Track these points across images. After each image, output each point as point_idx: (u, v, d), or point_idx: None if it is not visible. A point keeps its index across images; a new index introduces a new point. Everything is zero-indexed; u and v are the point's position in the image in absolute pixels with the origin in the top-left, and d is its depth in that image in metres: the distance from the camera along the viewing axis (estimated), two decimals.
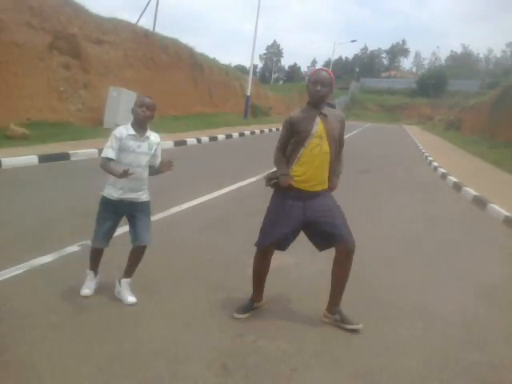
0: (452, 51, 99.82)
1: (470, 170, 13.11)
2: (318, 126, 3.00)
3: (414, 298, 3.83)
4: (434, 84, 60.25)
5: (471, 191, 9.10)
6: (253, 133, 20.47)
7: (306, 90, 3.08)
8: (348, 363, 2.72)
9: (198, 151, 12.51)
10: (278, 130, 24.93)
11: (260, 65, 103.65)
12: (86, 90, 14.50)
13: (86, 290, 3.37)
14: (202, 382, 2.42)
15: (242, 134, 18.91)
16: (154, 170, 3.41)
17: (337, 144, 3.09)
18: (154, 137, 3.34)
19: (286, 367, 2.62)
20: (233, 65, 43.83)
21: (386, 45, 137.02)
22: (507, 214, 7.18)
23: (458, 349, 3.03)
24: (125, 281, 3.37)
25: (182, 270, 4.00)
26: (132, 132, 3.21)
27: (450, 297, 3.93)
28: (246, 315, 3.19)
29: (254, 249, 3.23)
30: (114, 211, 3.34)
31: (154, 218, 5.31)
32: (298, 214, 3.04)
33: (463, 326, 3.39)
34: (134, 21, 21.62)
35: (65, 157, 9.17)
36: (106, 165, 3.21)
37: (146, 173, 3.35)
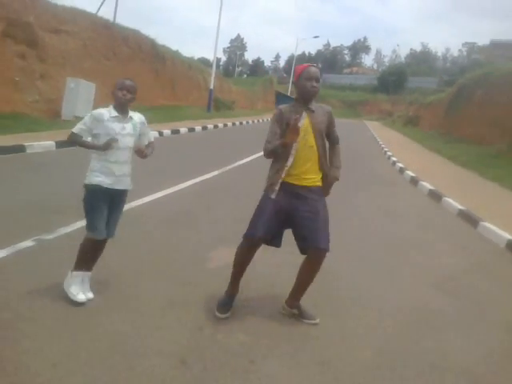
0: (411, 49, 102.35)
1: (427, 164, 13.54)
2: (304, 121, 3.04)
3: (370, 289, 3.94)
4: (394, 81, 61.81)
5: (427, 185, 9.41)
6: (216, 126, 20.38)
7: (296, 87, 3.11)
8: (305, 354, 2.78)
9: (159, 144, 12.33)
10: (241, 123, 24.96)
11: (224, 58, 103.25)
12: (43, 80, 14.02)
13: (83, 295, 3.16)
14: (159, 376, 2.42)
15: (204, 128, 18.80)
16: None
17: (323, 138, 3.11)
18: (137, 117, 3.26)
19: (244, 359, 2.65)
20: (196, 58, 43.31)
21: (348, 41, 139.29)
22: (461, 207, 7.47)
23: (410, 337, 3.15)
24: (87, 274, 3.26)
25: (142, 264, 3.96)
26: (115, 114, 3.12)
27: (403, 288, 4.07)
28: (229, 313, 3.16)
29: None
30: (102, 199, 3.15)
31: None
32: (285, 205, 3.04)
33: (415, 315, 3.52)
34: (93, 11, 21.04)
35: (20, 149, 8.85)
36: (76, 140, 3.16)
37: (131, 156, 3.23)
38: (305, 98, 3.09)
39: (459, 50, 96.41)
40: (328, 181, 3.22)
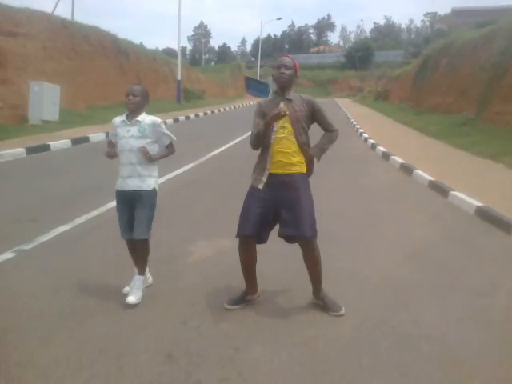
0: (375, 23, 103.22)
1: (398, 138, 13.78)
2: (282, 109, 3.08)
3: (345, 267, 4.09)
4: (360, 57, 62.09)
5: (398, 160, 9.63)
6: (188, 117, 20.29)
7: (273, 78, 3.20)
8: (286, 336, 2.90)
9: None
10: (213, 112, 24.87)
11: (189, 47, 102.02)
12: (5, 86, 13.71)
13: (131, 297, 3.28)
14: (148, 373, 2.51)
15: (176, 120, 18.70)
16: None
17: (301, 125, 3.14)
18: (148, 120, 3.35)
19: (228, 348, 2.76)
20: (161, 48, 42.79)
21: (312, 20, 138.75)
22: (431, 178, 7.69)
23: (386, 311, 3.30)
24: (136, 277, 3.39)
25: (122, 263, 4.00)
26: (123, 118, 3.35)
27: (377, 263, 4.23)
28: (237, 306, 3.24)
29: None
30: (122, 202, 3.40)
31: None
32: (270, 199, 3.11)
33: (390, 289, 3.67)
34: (49, 10, 20.53)
35: None
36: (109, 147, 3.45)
37: (140, 157, 3.30)
38: (278, 87, 3.18)
39: (422, 21, 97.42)
40: (307, 159, 3.23)
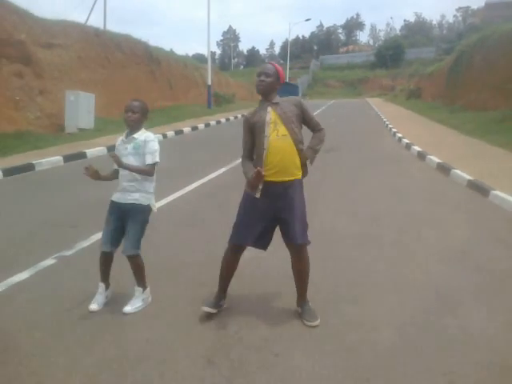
0: (405, 20, 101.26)
1: (433, 137, 13.45)
2: (270, 114, 3.08)
3: (386, 271, 4.00)
4: (391, 55, 61.09)
5: (435, 159, 9.39)
6: (218, 122, 20.42)
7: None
8: (327, 342, 2.86)
9: (165, 146, 12.41)
10: (243, 116, 24.94)
11: (218, 52, 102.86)
12: (43, 96, 14.16)
13: (93, 305, 3.32)
14: (189, 379, 2.51)
15: (207, 125, 18.85)
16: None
17: (295, 125, 3.10)
18: (144, 136, 3.32)
19: (269, 354, 2.73)
20: (191, 54, 43.34)
21: (340, 20, 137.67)
22: (469, 177, 7.46)
23: (430, 315, 3.20)
24: (136, 288, 3.42)
25: (160, 269, 4.05)
26: (122, 137, 3.39)
27: (419, 266, 4.12)
28: (215, 310, 3.20)
29: None
30: (111, 213, 3.39)
31: None
32: (267, 209, 3.08)
33: (434, 292, 3.57)
34: (82, 20, 21.11)
35: (29, 168, 9.00)
36: None
37: (137, 174, 3.30)
38: (259, 93, 3.16)
39: (454, 16, 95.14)
40: (301, 160, 3.16)
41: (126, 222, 3.34)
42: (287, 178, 3.07)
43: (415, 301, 3.44)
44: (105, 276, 3.43)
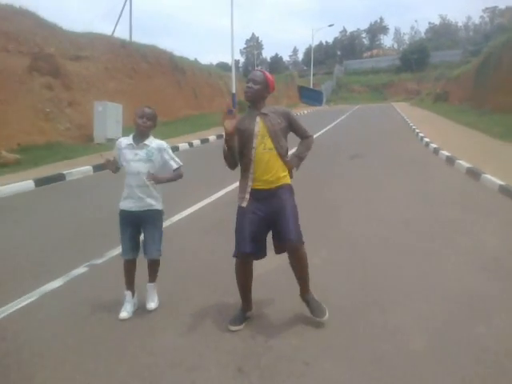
0: (430, 23, 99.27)
1: (462, 141, 13.21)
2: (259, 125, 3.11)
3: (415, 279, 3.93)
4: (416, 58, 60.34)
5: (464, 164, 9.21)
6: None
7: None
8: (357, 351, 2.82)
9: (191, 155, 12.58)
10: None
11: (242, 60, 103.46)
12: (72, 107, 14.54)
13: (123, 313, 3.38)
14: None
15: None
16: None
17: (280, 138, 3.14)
18: (155, 144, 3.42)
19: (298, 363, 2.72)
20: (215, 63, 43.76)
21: (364, 25, 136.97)
22: (501, 182, 7.29)
23: (462, 324, 3.13)
24: (148, 285, 3.54)
25: (188, 277, 4.09)
26: (129, 141, 3.39)
27: (450, 273, 4.04)
28: (241, 326, 3.19)
29: None
30: (126, 222, 3.44)
31: None
32: (260, 216, 3.11)
33: (466, 300, 3.49)
34: (109, 32, 21.59)
35: (60, 178, 9.24)
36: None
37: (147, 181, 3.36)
38: (247, 100, 3.19)
39: (481, 17, 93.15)
40: (287, 167, 3.23)
41: (142, 228, 3.45)
42: (274, 185, 3.14)
43: (446, 309, 3.37)
44: (130, 284, 3.52)
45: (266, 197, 3.12)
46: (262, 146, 3.09)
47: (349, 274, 4.02)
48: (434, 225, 5.55)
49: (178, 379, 2.61)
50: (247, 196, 3.14)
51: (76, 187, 8.80)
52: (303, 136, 3.37)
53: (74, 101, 14.73)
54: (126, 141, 3.42)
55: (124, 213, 3.43)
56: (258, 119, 3.13)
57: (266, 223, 3.15)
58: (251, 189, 3.13)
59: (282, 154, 3.17)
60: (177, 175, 3.48)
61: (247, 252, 3.12)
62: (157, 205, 3.45)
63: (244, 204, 3.14)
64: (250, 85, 3.12)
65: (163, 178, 3.40)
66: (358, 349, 2.86)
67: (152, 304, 3.49)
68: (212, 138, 16.71)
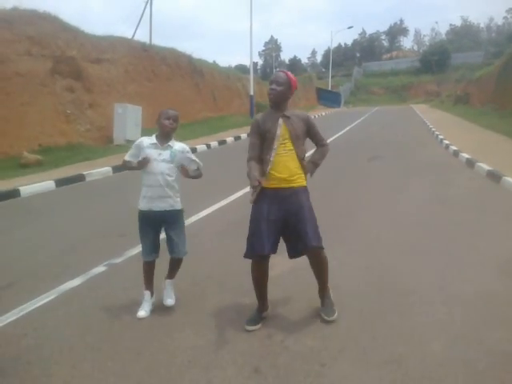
0: (451, 24, 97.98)
1: (482, 143, 13.00)
2: (281, 128, 3.13)
3: (434, 282, 3.89)
4: (437, 60, 59.57)
5: (485, 166, 9.06)
6: None
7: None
8: (374, 353, 2.81)
9: (208, 157, 12.63)
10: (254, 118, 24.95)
11: (260, 62, 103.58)
12: (92, 109, 14.75)
13: (141, 312, 3.44)
14: None
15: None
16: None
17: (301, 142, 3.20)
18: (178, 146, 3.49)
19: (315, 363, 2.72)
20: (233, 65, 43.99)
21: (383, 26, 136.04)
22: None
23: (481, 328, 3.09)
24: (167, 281, 3.60)
25: (205, 277, 4.12)
26: (153, 141, 3.43)
27: (469, 277, 3.98)
28: (258, 326, 3.19)
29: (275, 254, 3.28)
30: (148, 223, 3.47)
31: None
32: (276, 213, 3.10)
33: (485, 305, 3.44)
34: (130, 35, 21.85)
35: (80, 178, 9.39)
36: (124, 164, 3.53)
37: (172, 180, 3.43)
38: (270, 102, 3.19)
39: (504, 18, 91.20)
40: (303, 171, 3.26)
41: (164, 228, 3.49)
42: (291, 185, 3.14)
43: (465, 313, 3.32)
44: (149, 284, 3.57)
45: (283, 197, 3.12)
46: (283, 148, 3.12)
47: (366, 276, 4.00)
48: (452, 228, 5.48)
49: (195, 378, 2.63)
50: (256, 193, 3.09)
51: (96, 188, 8.94)
52: (319, 143, 3.41)
53: (94, 103, 14.95)
54: (148, 140, 3.45)
55: (145, 213, 3.45)
56: (280, 121, 3.14)
57: (282, 224, 3.14)
58: (268, 188, 3.12)
59: (301, 156, 3.19)
60: (198, 174, 3.58)
61: (264, 253, 3.11)
62: (178, 204, 3.51)
63: (252, 201, 3.15)
64: (274, 86, 3.13)
65: (192, 174, 3.51)
66: (374, 351, 2.84)
67: (170, 300, 3.54)
68: (230, 139, 16.78)
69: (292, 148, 3.14)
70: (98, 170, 9.97)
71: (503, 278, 3.94)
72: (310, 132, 3.30)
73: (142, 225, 3.50)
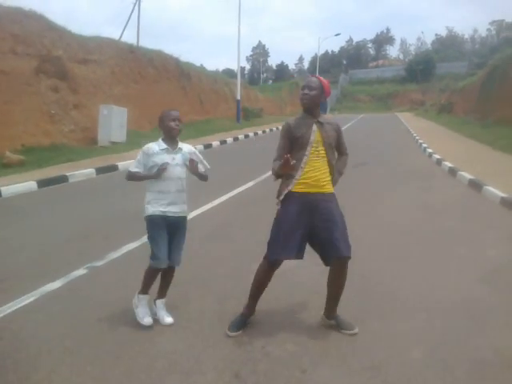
0: (437, 34, 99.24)
1: (464, 153, 13.20)
2: (315, 134, 3.12)
3: (415, 288, 3.93)
4: (422, 69, 60.40)
5: (466, 175, 9.20)
6: (247, 136, 20.56)
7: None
8: (355, 359, 2.82)
9: None
10: (271, 130, 25.06)
11: (248, 67, 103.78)
12: (77, 110, 14.59)
13: (147, 319, 3.30)
14: None
15: (236, 139, 19.01)
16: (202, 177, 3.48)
17: (332, 149, 3.23)
18: (186, 147, 3.40)
19: (295, 369, 2.72)
20: (221, 69, 44.01)
21: (370, 35, 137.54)
22: (503, 194, 7.28)
23: (461, 335, 3.12)
24: (159, 301, 3.43)
25: (189, 281, 4.08)
26: (164, 146, 3.29)
27: (450, 284, 4.03)
28: (240, 332, 3.16)
29: (260, 255, 3.27)
30: (162, 227, 3.28)
31: None
32: (304, 219, 3.06)
33: (464, 312, 3.48)
34: (117, 36, 21.74)
35: (63, 179, 9.28)
36: (132, 176, 3.36)
37: (185, 184, 3.36)
38: (302, 107, 3.21)
39: (487, 30, 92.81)
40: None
41: (171, 234, 3.35)
42: (321, 190, 3.12)
43: (445, 319, 3.36)
44: (149, 288, 3.40)
45: (311, 201, 3.08)
46: (316, 153, 3.11)
47: (347, 282, 3.99)
48: (434, 235, 5.55)
49: (175, 383, 2.60)
50: (281, 198, 3.14)
51: (78, 189, 8.84)
52: (343, 152, 3.44)
53: (79, 103, 14.79)
54: (157, 146, 3.29)
55: (157, 218, 3.28)
56: (314, 127, 3.14)
57: (310, 229, 3.09)
58: (297, 192, 3.10)
59: (331, 162, 3.20)
60: (206, 176, 3.50)
61: (281, 258, 3.10)
62: (187, 212, 3.43)
63: (278, 205, 3.15)
64: (306, 91, 3.13)
65: (201, 170, 3.42)
66: (355, 357, 2.85)
67: (169, 319, 3.34)
68: (215, 143, 16.76)
69: (324, 155, 3.14)
70: (82, 172, 9.86)
71: (483, 285, 4.00)
72: (338, 141, 3.31)
73: (156, 230, 3.29)
